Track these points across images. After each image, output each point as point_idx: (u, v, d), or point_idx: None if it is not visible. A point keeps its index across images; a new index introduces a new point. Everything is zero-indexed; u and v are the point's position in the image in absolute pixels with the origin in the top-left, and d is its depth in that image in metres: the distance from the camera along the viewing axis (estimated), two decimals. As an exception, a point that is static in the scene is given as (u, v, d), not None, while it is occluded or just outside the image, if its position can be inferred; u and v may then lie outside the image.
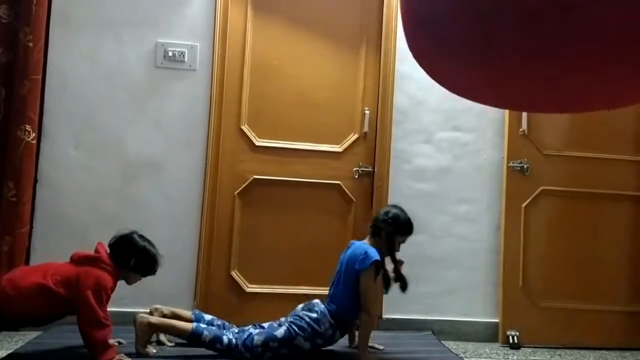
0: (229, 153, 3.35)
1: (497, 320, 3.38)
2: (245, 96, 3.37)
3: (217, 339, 2.46)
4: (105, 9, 3.24)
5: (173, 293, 3.21)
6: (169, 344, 2.62)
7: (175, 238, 3.23)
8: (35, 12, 2.99)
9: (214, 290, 3.30)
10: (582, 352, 3.28)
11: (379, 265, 2.55)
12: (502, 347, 3.29)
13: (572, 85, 1.06)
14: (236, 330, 2.61)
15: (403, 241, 2.67)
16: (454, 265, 3.43)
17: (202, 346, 2.48)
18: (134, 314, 2.55)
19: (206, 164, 3.29)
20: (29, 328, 2.66)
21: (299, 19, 3.43)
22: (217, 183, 3.32)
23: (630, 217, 3.48)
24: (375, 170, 3.42)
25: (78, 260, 2.46)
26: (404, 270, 2.68)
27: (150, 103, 3.27)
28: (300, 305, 2.65)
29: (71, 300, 2.35)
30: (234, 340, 2.47)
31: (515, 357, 3.11)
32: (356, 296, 2.54)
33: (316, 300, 2.63)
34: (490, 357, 3.07)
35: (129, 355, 2.42)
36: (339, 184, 3.42)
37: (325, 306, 2.58)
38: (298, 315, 2.56)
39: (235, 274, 3.33)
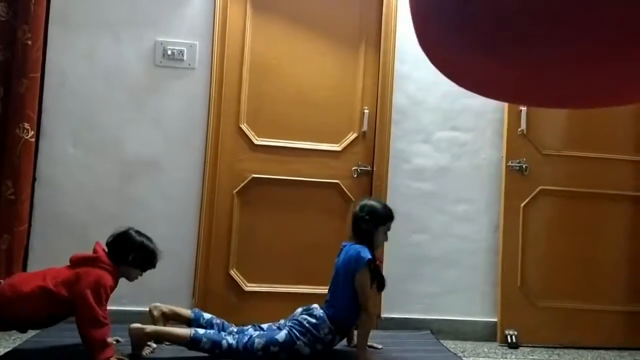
0: (228, 152, 3.34)
1: (495, 320, 3.39)
2: (244, 95, 3.37)
3: (216, 345, 2.45)
4: (104, 7, 3.24)
5: (172, 292, 3.21)
6: (167, 342, 2.61)
7: (174, 237, 3.23)
8: (34, 11, 2.98)
9: (213, 289, 3.30)
10: (581, 351, 3.29)
11: (372, 263, 2.55)
12: (500, 347, 3.29)
13: (605, 77, 1.04)
14: (235, 331, 2.60)
15: (388, 229, 2.65)
16: (452, 264, 3.44)
17: (201, 352, 2.47)
18: (130, 322, 2.51)
19: (205, 163, 3.29)
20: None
21: (298, 18, 3.43)
22: (216, 182, 3.32)
23: (629, 217, 3.48)
24: (374, 169, 3.42)
25: (77, 261, 2.46)
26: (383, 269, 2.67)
27: (149, 102, 3.27)
28: (300, 309, 2.64)
29: (72, 301, 2.35)
30: (234, 344, 2.46)
31: (513, 357, 3.12)
32: (354, 299, 2.53)
33: (315, 305, 2.61)
34: (489, 357, 3.08)
35: (127, 354, 2.42)
36: (337, 183, 3.42)
37: (324, 311, 2.57)
38: (297, 320, 2.55)
39: (234, 272, 3.33)
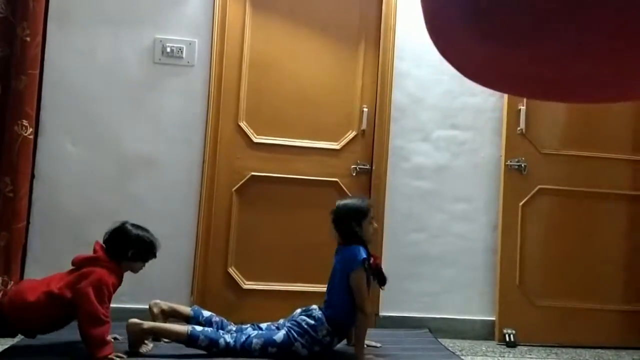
0: (227, 149, 3.34)
1: (493, 319, 3.39)
2: (243, 93, 3.37)
3: (214, 343, 2.45)
4: (104, 4, 3.23)
5: (170, 290, 3.21)
6: (165, 340, 2.61)
7: (172, 234, 3.22)
8: (33, 7, 2.97)
9: (211, 287, 3.29)
10: (578, 350, 3.29)
11: (368, 262, 2.55)
12: (498, 345, 3.30)
13: (619, 68, 1.04)
14: (234, 329, 2.60)
15: (371, 220, 2.63)
16: (451, 263, 3.44)
17: (198, 349, 2.47)
18: (129, 317, 2.52)
19: (204, 160, 3.29)
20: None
21: (297, 15, 3.42)
22: (215, 179, 3.32)
23: (627, 216, 3.48)
24: (373, 167, 3.42)
25: (78, 263, 2.48)
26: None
27: (148, 99, 3.26)
28: (298, 310, 2.64)
29: (75, 300, 2.36)
30: (231, 343, 2.46)
31: (511, 355, 3.12)
32: (351, 299, 2.53)
33: (314, 306, 2.61)
34: (487, 355, 3.08)
35: (124, 352, 2.42)
36: (336, 182, 3.42)
37: (322, 312, 2.57)
38: (296, 321, 2.55)
39: (232, 270, 3.33)
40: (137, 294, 3.10)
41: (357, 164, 3.43)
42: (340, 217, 2.62)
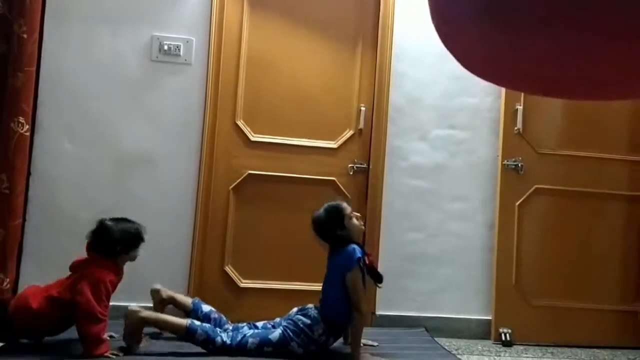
0: (224, 148, 3.34)
1: (489, 318, 3.40)
2: (240, 91, 3.36)
3: (210, 340, 2.45)
4: (101, 1, 3.22)
5: (167, 287, 3.20)
6: (162, 330, 2.59)
7: (169, 232, 3.22)
8: (30, 4, 2.96)
9: (208, 285, 3.29)
10: (574, 350, 3.30)
11: (363, 261, 2.55)
12: (494, 345, 3.30)
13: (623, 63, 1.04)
14: (230, 328, 2.60)
15: (351, 216, 2.62)
16: (447, 262, 3.44)
17: (195, 344, 2.47)
18: (127, 307, 2.54)
19: (201, 159, 3.28)
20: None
21: (295, 14, 3.42)
22: (212, 178, 3.31)
23: (623, 216, 3.50)
24: (370, 167, 3.42)
25: (76, 267, 2.48)
26: None
27: (145, 97, 3.26)
28: (295, 309, 2.64)
29: (74, 300, 2.37)
30: (228, 342, 2.46)
31: (507, 355, 3.12)
32: (347, 299, 2.52)
33: (310, 305, 2.62)
34: (483, 354, 3.09)
35: (120, 349, 2.42)
36: (333, 180, 3.42)
37: (318, 311, 2.57)
38: (292, 320, 2.56)
39: (229, 269, 3.33)
40: (133, 291, 3.08)
41: (354, 163, 3.43)
42: (321, 228, 2.63)
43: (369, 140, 3.44)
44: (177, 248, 3.25)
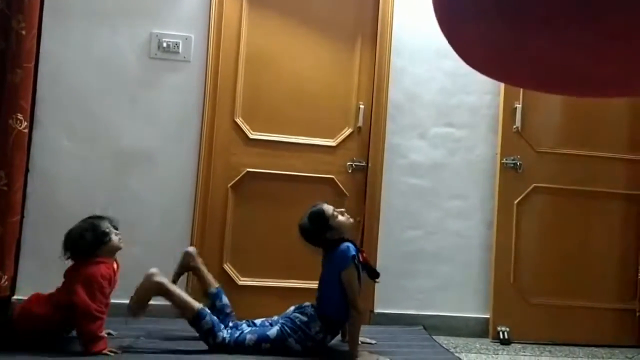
0: (223, 146, 3.33)
1: (487, 316, 3.40)
2: (239, 89, 3.36)
3: (213, 333, 2.45)
4: (100, -2, 3.22)
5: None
6: (172, 304, 2.53)
7: (167, 230, 3.22)
8: (28, 0, 2.95)
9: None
10: (572, 348, 3.30)
11: (357, 258, 2.55)
12: (492, 343, 3.30)
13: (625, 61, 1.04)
14: (230, 325, 2.60)
15: (336, 215, 2.61)
16: (445, 260, 3.44)
17: (196, 331, 2.46)
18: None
19: (199, 156, 3.28)
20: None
21: (294, 11, 3.42)
22: (211, 175, 3.31)
23: (622, 215, 3.50)
24: (369, 165, 3.42)
25: (69, 271, 2.47)
26: None
27: (144, 94, 3.25)
28: (292, 307, 2.65)
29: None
30: (227, 339, 2.46)
31: (505, 353, 3.13)
32: (343, 296, 2.52)
33: (307, 304, 2.63)
34: (481, 353, 3.09)
35: (119, 347, 2.42)
36: (332, 178, 3.41)
37: (315, 309, 2.58)
38: (289, 317, 2.57)
39: (227, 267, 3.33)
40: (131, 289, 3.08)
41: (353, 161, 3.43)
42: (310, 236, 2.63)
43: (368, 138, 3.44)
44: (176, 245, 3.23)
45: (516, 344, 3.30)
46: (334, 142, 3.43)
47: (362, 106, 3.43)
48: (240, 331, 2.51)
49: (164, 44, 3.25)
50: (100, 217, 2.54)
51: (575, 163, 3.46)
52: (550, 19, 0.98)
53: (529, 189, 3.42)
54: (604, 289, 3.46)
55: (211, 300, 2.65)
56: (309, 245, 2.68)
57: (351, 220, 2.69)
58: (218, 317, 2.57)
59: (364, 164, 3.43)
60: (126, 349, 2.44)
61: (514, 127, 3.40)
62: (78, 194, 3.16)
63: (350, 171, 3.43)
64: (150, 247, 3.20)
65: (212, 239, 3.31)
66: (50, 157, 3.16)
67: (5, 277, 2.93)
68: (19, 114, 2.94)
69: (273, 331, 2.51)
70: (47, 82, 3.16)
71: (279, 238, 3.36)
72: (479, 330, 3.40)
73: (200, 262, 2.71)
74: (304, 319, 2.54)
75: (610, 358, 3.19)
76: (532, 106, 3.40)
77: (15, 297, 3.04)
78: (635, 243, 3.49)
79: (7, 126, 2.92)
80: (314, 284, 2.87)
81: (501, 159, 3.40)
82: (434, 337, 3.14)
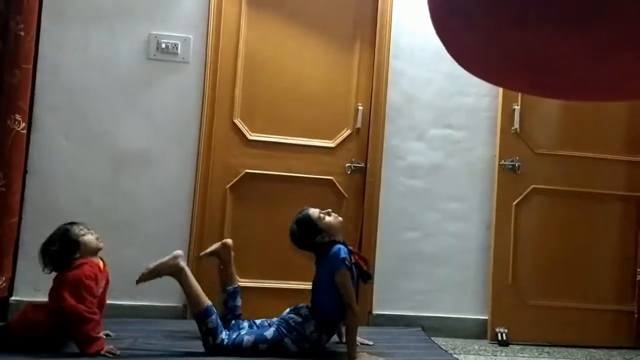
0: (222, 147, 3.33)
1: (486, 318, 3.40)
2: (238, 90, 3.36)
3: (214, 333, 2.44)
4: (98, -1, 3.22)
5: (164, 286, 3.18)
6: (184, 291, 2.54)
7: (166, 231, 3.22)
8: (27, 1, 2.95)
9: (204, 284, 3.26)
10: (570, 350, 3.30)
11: (349, 260, 2.55)
12: (490, 344, 3.30)
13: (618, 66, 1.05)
14: (232, 324, 2.59)
15: (321, 216, 2.62)
16: (444, 262, 3.44)
17: (199, 326, 2.45)
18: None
19: (198, 158, 3.28)
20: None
21: (293, 13, 3.42)
22: (209, 177, 3.31)
23: (620, 216, 3.50)
24: (368, 166, 3.42)
25: (56, 277, 2.46)
26: None
27: (143, 95, 3.25)
28: (287, 310, 2.65)
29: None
30: (225, 341, 2.46)
31: (503, 354, 3.13)
32: (337, 298, 2.52)
33: (302, 305, 2.63)
34: (479, 354, 3.09)
35: (117, 348, 2.41)
36: (331, 180, 3.41)
37: (309, 310, 2.58)
38: (284, 319, 2.57)
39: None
40: (130, 290, 3.08)
41: (352, 162, 3.43)
42: (301, 241, 2.64)
43: (367, 140, 3.44)
44: (174, 247, 3.21)
45: (514, 345, 3.30)
46: (332, 143, 3.43)
47: (360, 107, 3.43)
48: (237, 332, 2.50)
49: (163, 45, 3.25)
50: (71, 224, 2.51)
51: (574, 164, 3.46)
52: (545, 21, 0.98)
53: (527, 191, 3.42)
54: (603, 291, 3.46)
55: (226, 296, 2.65)
56: (302, 251, 2.69)
57: (339, 219, 2.69)
58: (226, 316, 2.58)
59: (362, 165, 3.43)
60: (124, 350, 2.43)
61: (513, 128, 3.40)
62: (76, 195, 3.16)
63: (349, 172, 3.43)
64: (148, 248, 3.19)
65: (211, 240, 3.29)
66: (49, 158, 3.15)
67: (3, 278, 2.93)
68: (17, 115, 2.94)
69: (270, 332, 2.51)
70: (46, 83, 3.16)
71: (278, 239, 3.35)
72: (477, 331, 3.40)
73: (232, 256, 2.71)
74: (299, 319, 2.54)
75: (608, 359, 3.19)
76: (530, 108, 3.40)
77: (13, 298, 3.04)
78: (633, 244, 3.49)
79: (6, 127, 2.93)
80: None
81: (500, 161, 3.40)
82: (432, 338, 3.14)
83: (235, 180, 3.34)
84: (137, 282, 2.49)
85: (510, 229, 3.40)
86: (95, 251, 2.51)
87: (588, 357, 3.19)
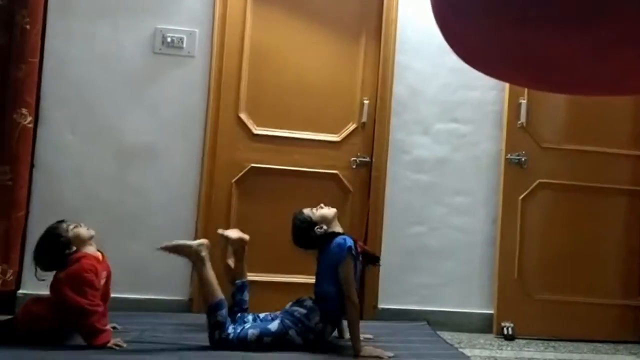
0: (227, 141, 3.33)
1: (491, 312, 3.39)
2: (243, 84, 3.36)
3: (222, 327, 2.44)
4: (104, -7, 3.22)
5: (169, 280, 3.21)
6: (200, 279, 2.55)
7: (171, 225, 3.22)
8: (33, -5, 2.96)
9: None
10: (576, 344, 3.30)
11: (354, 249, 2.56)
12: (496, 338, 3.30)
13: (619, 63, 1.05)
14: (237, 317, 2.59)
15: (316, 211, 2.66)
16: (450, 256, 3.44)
17: (208, 318, 2.46)
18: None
19: (203, 152, 3.28)
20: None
21: (298, 7, 3.41)
22: (214, 171, 3.31)
23: (627, 211, 3.49)
24: (373, 160, 3.41)
25: (56, 274, 2.46)
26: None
27: (148, 89, 3.26)
28: (290, 303, 2.66)
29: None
30: (230, 335, 2.47)
31: (509, 349, 3.13)
32: (339, 291, 2.52)
33: (305, 297, 2.63)
34: (485, 348, 3.09)
35: (124, 340, 2.42)
36: (336, 174, 3.41)
37: (313, 302, 2.59)
38: (288, 312, 2.58)
39: (231, 262, 3.32)
40: (135, 284, 3.11)
41: (357, 157, 3.42)
42: (303, 238, 2.67)
43: (372, 134, 3.43)
44: (179, 240, 3.25)
45: (520, 340, 3.30)
46: (338, 137, 3.43)
47: (366, 102, 3.42)
48: (242, 326, 2.51)
49: (168, 39, 3.25)
50: (57, 222, 2.51)
51: (581, 159, 3.45)
52: (561, 23, 0.98)
53: (533, 185, 3.41)
54: (609, 285, 3.45)
55: (234, 289, 2.66)
56: (307, 250, 2.70)
57: (332, 209, 2.70)
58: (233, 309, 2.59)
59: (368, 159, 3.43)
60: (131, 343, 2.44)
61: (519, 122, 3.39)
62: (82, 189, 3.17)
63: (354, 166, 3.42)
64: (154, 242, 3.18)
65: (216, 234, 3.31)
66: (55, 152, 3.16)
67: (11, 271, 2.95)
68: (23, 109, 2.95)
69: (274, 324, 2.52)
70: (52, 77, 3.16)
71: (283, 233, 3.34)
72: (483, 325, 3.39)
73: (246, 251, 2.73)
74: (303, 311, 2.55)
75: (614, 354, 3.18)
76: (537, 101, 3.39)
77: (20, 291, 3.05)
78: (639, 239, 3.47)
79: (12, 121, 2.94)
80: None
81: (506, 155, 3.39)
82: (438, 332, 3.14)
83: (240, 174, 3.34)
84: (159, 248, 2.51)
85: (517, 224, 3.39)
86: (88, 240, 2.49)
87: (594, 352, 3.18)
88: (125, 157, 3.22)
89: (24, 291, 3.04)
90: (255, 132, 3.36)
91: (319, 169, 3.40)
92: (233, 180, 3.34)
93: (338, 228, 2.67)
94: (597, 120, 3.46)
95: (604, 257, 3.46)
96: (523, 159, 3.39)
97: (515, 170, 3.40)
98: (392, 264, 3.36)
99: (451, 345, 2.94)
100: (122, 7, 3.23)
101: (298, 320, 2.53)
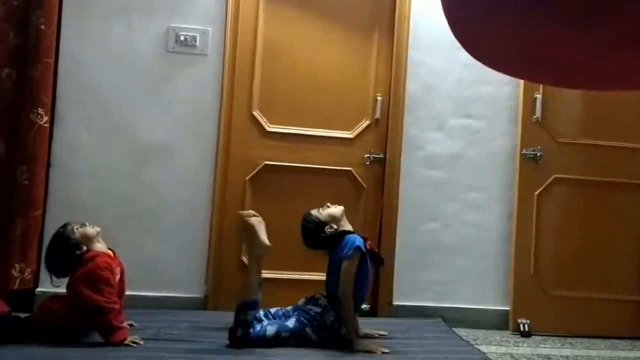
0: (240, 138, 3.34)
1: (508, 308, 3.37)
2: (256, 81, 3.36)
3: (246, 326, 2.44)
4: (118, -7, 3.24)
5: (184, 277, 3.24)
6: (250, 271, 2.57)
7: (186, 223, 3.24)
8: (47, -4, 2.98)
9: (225, 275, 3.30)
10: (593, 340, 3.27)
11: (364, 248, 2.56)
12: (512, 335, 3.28)
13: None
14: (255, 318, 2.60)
15: (323, 211, 2.67)
16: (464, 252, 3.42)
17: (237, 315, 2.45)
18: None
19: (217, 150, 3.29)
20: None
21: (310, 3, 3.41)
22: (228, 169, 3.32)
23: (644, 206, 3.45)
24: (387, 157, 3.40)
25: (71, 275, 2.48)
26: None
27: (162, 88, 3.27)
28: (302, 300, 2.66)
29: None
30: (251, 333, 2.47)
31: (525, 345, 3.11)
32: (354, 289, 2.54)
33: (318, 294, 2.64)
34: (501, 345, 3.07)
35: (141, 338, 2.44)
36: (350, 171, 3.41)
37: (327, 300, 2.59)
38: (303, 310, 2.58)
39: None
40: (150, 281, 3.14)
41: (371, 153, 3.42)
42: (314, 238, 2.68)
43: (386, 130, 3.42)
44: (194, 238, 3.27)
45: (537, 336, 3.28)
46: (351, 134, 3.42)
47: (379, 98, 3.41)
48: (260, 325, 2.53)
49: (182, 38, 3.26)
50: (62, 226, 2.51)
51: (597, 154, 3.41)
52: (550, 17, 0.98)
53: (549, 180, 3.38)
54: (626, 281, 3.42)
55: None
56: (320, 251, 2.70)
57: (340, 207, 2.71)
58: None
59: (381, 156, 3.42)
60: (147, 340, 2.46)
61: (534, 117, 3.36)
62: (98, 187, 3.20)
63: (368, 163, 3.42)
64: (169, 239, 3.23)
65: (230, 231, 3.32)
66: (71, 152, 3.19)
67: (29, 270, 2.98)
68: (39, 109, 2.98)
69: (291, 321, 2.55)
70: (67, 77, 3.19)
71: (297, 231, 3.35)
72: (499, 322, 3.37)
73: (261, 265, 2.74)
74: (318, 309, 2.56)
75: (631, 350, 3.15)
76: (552, 96, 3.35)
77: (38, 289, 3.09)
78: (658, 234, 3.44)
79: (29, 121, 2.96)
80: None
81: (521, 150, 3.36)
82: (453, 329, 3.12)
83: (254, 172, 3.35)
84: (241, 211, 2.60)
85: (532, 219, 3.36)
86: (95, 237, 2.49)
87: (611, 348, 3.16)
88: (140, 155, 3.24)
89: (42, 289, 3.07)
90: (269, 129, 3.37)
91: (333, 166, 3.39)
92: (247, 178, 3.35)
93: (347, 226, 2.68)
94: (612, 115, 3.42)
95: (620, 253, 3.43)
96: (538, 154, 3.36)
97: (530, 165, 3.37)
98: (407, 261, 3.35)
99: (467, 342, 2.92)
100: (135, 7, 3.25)
101: (313, 318, 2.55)
